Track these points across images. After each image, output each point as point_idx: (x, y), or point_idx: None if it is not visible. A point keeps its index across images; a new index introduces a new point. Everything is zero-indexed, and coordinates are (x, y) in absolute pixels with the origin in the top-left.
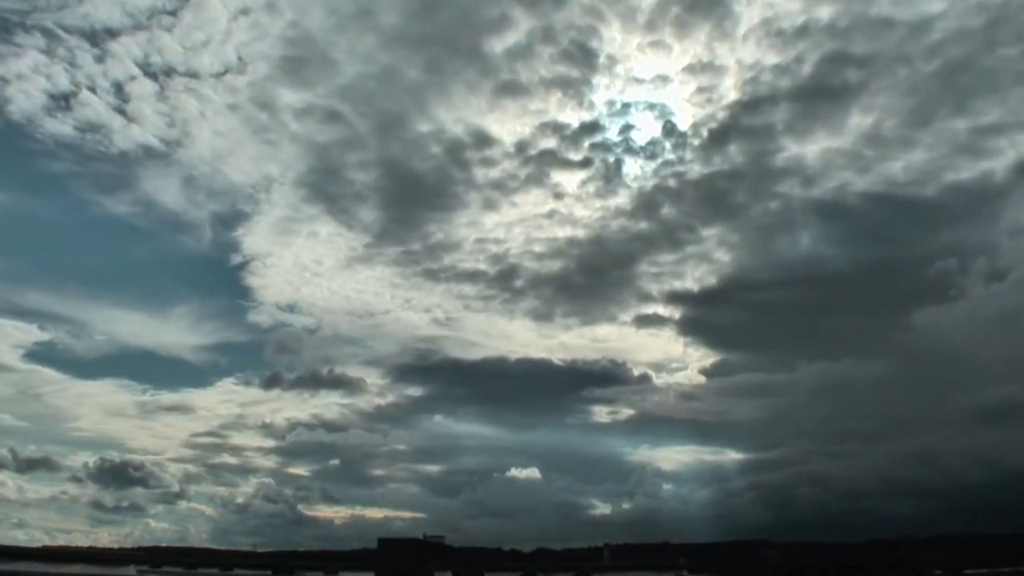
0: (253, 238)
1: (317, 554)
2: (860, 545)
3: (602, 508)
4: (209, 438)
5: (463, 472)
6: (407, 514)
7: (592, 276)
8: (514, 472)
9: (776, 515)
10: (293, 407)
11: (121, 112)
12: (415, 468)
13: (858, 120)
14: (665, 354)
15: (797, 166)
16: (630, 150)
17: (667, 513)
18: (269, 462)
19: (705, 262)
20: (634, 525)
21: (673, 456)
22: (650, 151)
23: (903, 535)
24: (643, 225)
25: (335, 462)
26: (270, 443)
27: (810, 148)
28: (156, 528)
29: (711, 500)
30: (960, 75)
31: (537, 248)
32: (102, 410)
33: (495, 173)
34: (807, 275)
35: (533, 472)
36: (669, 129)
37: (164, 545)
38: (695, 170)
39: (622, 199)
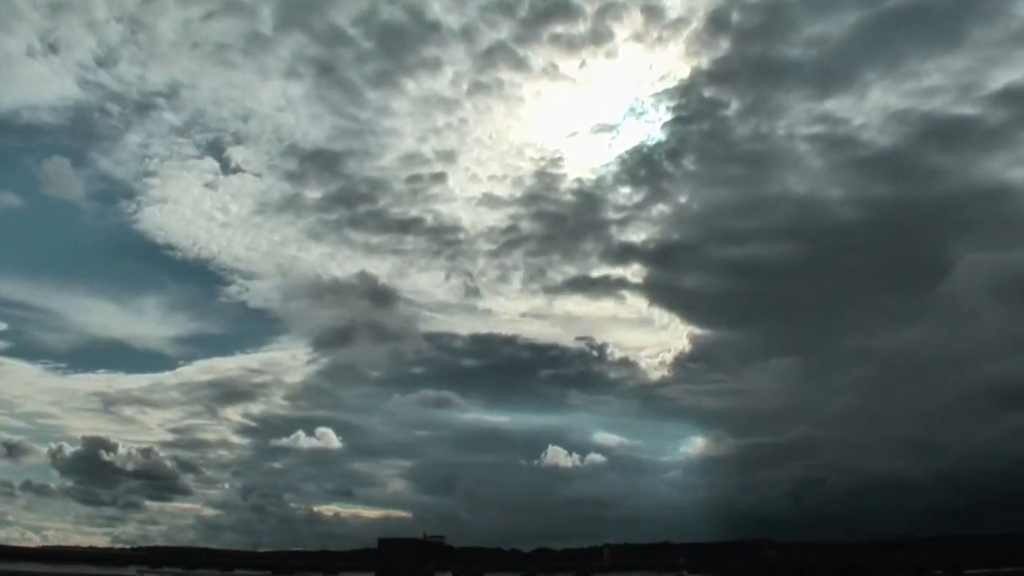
0: (144, 181)
1: (318, 554)
2: (860, 545)
3: (597, 504)
4: (175, 435)
5: (440, 465)
6: (395, 513)
7: (552, 225)
8: (498, 465)
9: (775, 513)
10: (252, 397)
11: None
12: (394, 463)
13: None
14: (642, 332)
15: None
16: (602, 47)
17: (659, 509)
18: (246, 456)
19: (683, 207)
20: (632, 523)
21: (656, 448)
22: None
23: (903, 535)
24: (615, 156)
25: (309, 457)
26: (239, 438)
27: (831, 29)
28: (138, 519)
29: (703, 496)
30: None
31: (485, 189)
32: (70, 401)
33: (437, 80)
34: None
35: (516, 465)
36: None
37: (163, 545)
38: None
39: (590, 119)
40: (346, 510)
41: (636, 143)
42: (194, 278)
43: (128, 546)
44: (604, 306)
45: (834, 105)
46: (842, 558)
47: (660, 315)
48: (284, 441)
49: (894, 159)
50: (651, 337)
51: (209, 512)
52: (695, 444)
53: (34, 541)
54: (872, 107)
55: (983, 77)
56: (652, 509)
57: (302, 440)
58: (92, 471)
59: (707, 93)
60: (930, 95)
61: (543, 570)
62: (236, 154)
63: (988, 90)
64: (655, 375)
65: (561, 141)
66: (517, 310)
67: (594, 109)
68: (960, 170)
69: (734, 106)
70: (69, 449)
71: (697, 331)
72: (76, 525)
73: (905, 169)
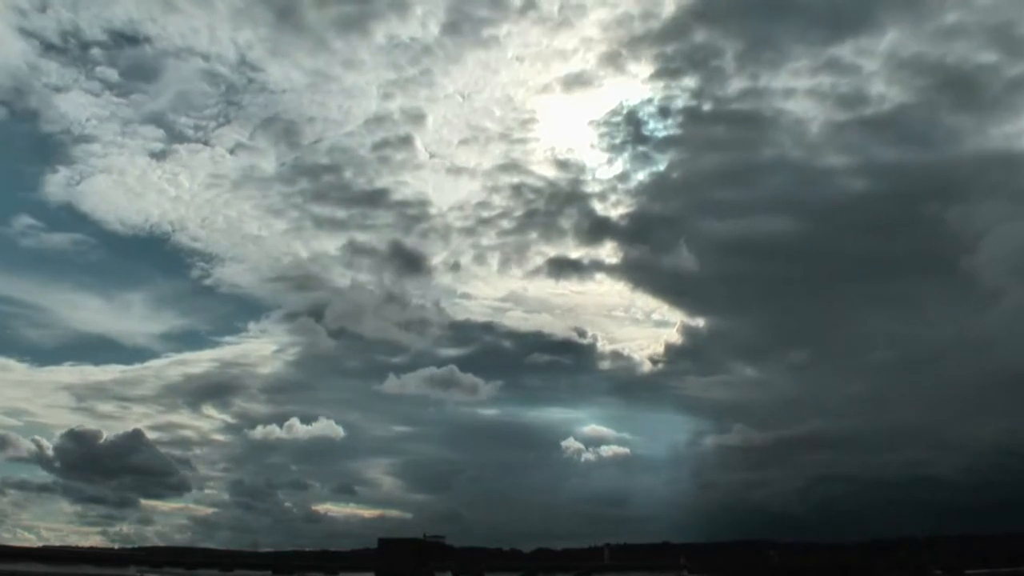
0: (84, 147)
1: (318, 554)
2: (860, 545)
3: (595, 502)
4: (158, 432)
5: (434, 463)
6: (391, 512)
7: (533, 198)
8: (493, 463)
9: (777, 512)
10: (231, 391)
11: None
12: (381, 462)
13: None
14: (631, 321)
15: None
16: None
17: (659, 508)
18: (235, 452)
19: (665, 176)
20: (632, 523)
21: (653, 444)
22: None
23: (903, 535)
24: (592, 119)
25: (301, 454)
26: (222, 435)
27: None
28: (132, 518)
29: (703, 495)
30: None
31: (454, 156)
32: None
33: (407, 23)
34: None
35: (512, 463)
36: None
37: (162, 545)
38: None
39: (566, 69)
40: (341, 509)
41: (615, 103)
42: (153, 261)
43: (128, 546)
44: (589, 289)
45: (843, 50)
46: (842, 558)
47: (646, 301)
48: (273, 438)
49: (906, 118)
50: (641, 328)
51: (202, 511)
52: (694, 441)
53: (28, 540)
54: (885, 50)
55: (1015, 16)
56: (652, 508)
57: (290, 434)
58: (79, 468)
59: (698, 38)
60: (951, 37)
61: (543, 570)
62: (181, 121)
63: (1018, 32)
64: (647, 368)
65: (534, 98)
66: (495, 294)
67: (571, 60)
68: (982, 130)
69: (729, 54)
70: (51, 445)
71: (689, 321)
72: (69, 524)
73: (919, 130)
